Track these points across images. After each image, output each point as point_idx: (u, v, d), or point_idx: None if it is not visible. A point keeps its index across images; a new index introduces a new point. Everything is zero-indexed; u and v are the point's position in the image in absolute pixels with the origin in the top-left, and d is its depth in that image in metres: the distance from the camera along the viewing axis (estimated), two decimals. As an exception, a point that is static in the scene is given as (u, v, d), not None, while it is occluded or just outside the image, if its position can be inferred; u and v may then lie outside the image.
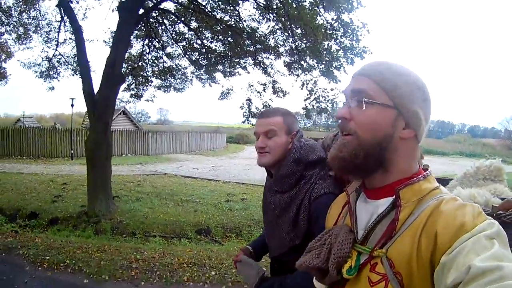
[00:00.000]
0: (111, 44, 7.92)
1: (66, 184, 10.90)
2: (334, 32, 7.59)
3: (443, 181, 1.68)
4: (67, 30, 9.66)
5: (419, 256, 0.66)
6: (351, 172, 0.80)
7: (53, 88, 10.47)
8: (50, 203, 8.59)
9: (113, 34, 8.27)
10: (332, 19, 7.49)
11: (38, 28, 10.02)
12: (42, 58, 10.18)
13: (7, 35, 10.44)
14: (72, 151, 17.50)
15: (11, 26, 10.04)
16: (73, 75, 10.35)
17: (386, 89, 0.75)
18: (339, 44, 7.79)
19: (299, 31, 7.89)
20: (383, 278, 0.70)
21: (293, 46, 8.27)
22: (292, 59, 8.69)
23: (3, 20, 9.90)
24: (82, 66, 7.51)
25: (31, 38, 10.32)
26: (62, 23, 9.33)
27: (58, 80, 10.34)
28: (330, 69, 8.07)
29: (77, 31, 7.65)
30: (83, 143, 17.82)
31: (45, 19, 10.06)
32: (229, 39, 9.01)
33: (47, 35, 10.08)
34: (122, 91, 10.12)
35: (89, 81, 7.21)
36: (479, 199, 1.38)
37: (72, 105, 18.57)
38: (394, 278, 0.68)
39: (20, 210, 8.08)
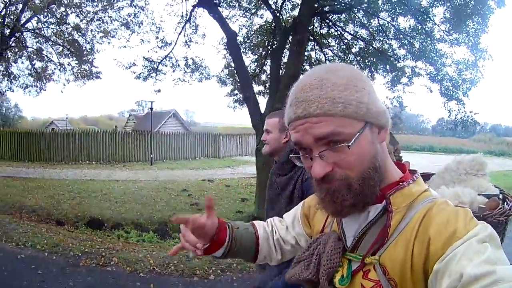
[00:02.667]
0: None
1: (187, 190, 9.82)
2: None
3: (425, 176, 1.37)
4: (194, 33, 9.70)
5: (413, 263, 0.63)
6: (365, 204, 0.69)
7: (159, 90, 10.36)
8: (192, 211, 7.70)
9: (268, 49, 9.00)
10: None
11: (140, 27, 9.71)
12: (147, 59, 9.81)
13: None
14: (152, 156, 16.02)
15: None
16: (200, 80, 10.47)
17: (352, 114, 0.65)
18: None
19: None
20: (377, 285, 0.67)
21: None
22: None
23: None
24: (242, 74, 7.77)
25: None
26: (188, 24, 9.32)
27: (160, 80, 10.30)
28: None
29: (232, 37, 7.66)
30: (159, 147, 16.65)
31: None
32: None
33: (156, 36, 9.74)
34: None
35: (252, 90, 7.62)
36: (463, 199, 1.36)
37: (151, 109, 17.58)
38: (388, 285, 0.66)
39: (165, 222, 6.87)
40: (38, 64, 10.83)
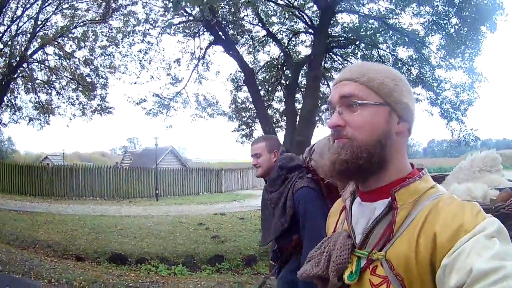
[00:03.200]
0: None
1: (203, 224, 9.77)
2: None
3: (439, 178, 1.65)
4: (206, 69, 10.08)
5: (418, 257, 0.64)
6: (353, 175, 0.74)
7: (170, 126, 10.52)
8: (215, 243, 7.71)
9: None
10: None
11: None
12: (157, 94, 9.99)
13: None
14: (157, 191, 15.81)
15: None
16: (212, 116, 10.71)
17: (374, 88, 0.73)
18: None
19: None
20: (384, 280, 0.68)
21: None
22: None
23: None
24: (261, 110, 8.36)
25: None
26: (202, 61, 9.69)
27: (171, 117, 10.41)
28: None
29: (250, 74, 7.98)
30: (164, 183, 16.55)
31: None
32: None
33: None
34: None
35: (271, 124, 8.25)
36: (476, 193, 1.35)
37: (156, 145, 17.57)
38: (395, 280, 0.66)
39: (191, 255, 6.81)
40: (43, 97, 10.59)
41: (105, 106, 10.04)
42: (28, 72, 9.88)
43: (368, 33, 8.46)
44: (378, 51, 9.16)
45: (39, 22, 9.20)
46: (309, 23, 8.74)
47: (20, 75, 9.90)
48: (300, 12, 8.81)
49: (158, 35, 9.35)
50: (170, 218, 10.51)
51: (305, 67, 8.93)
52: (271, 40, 9.43)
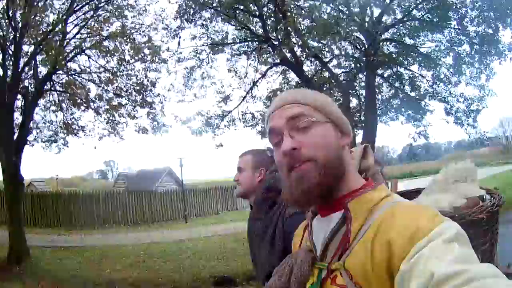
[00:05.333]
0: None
1: None
2: None
3: (414, 193, 1.61)
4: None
5: (373, 264, 0.64)
6: (325, 196, 0.74)
7: (221, 145, 10.04)
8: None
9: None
10: None
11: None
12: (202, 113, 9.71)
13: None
14: (186, 213, 15.35)
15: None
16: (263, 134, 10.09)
17: (318, 108, 0.77)
18: None
19: None
20: None
21: None
22: None
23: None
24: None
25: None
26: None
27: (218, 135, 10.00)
28: None
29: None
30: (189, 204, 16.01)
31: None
32: None
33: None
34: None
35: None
36: (443, 204, 1.33)
37: (181, 165, 17.18)
38: None
39: None
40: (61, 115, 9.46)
41: (157, 125, 9.48)
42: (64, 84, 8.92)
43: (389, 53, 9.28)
44: (397, 69, 10.01)
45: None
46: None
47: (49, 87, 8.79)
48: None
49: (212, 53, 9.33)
50: (221, 237, 10.34)
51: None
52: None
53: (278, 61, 8.99)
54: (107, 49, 8.46)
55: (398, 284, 0.60)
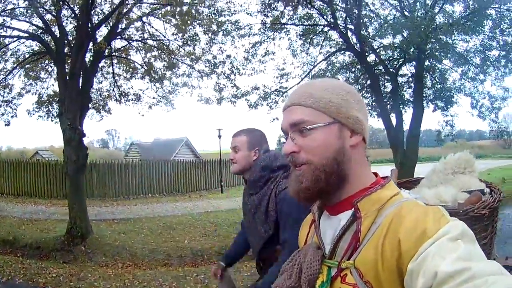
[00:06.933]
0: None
1: None
2: None
3: (414, 182, 1.69)
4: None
5: (384, 263, 0.66)
6: (318, 198, 0.78)
7: (277, 118, 10.20)
8: None
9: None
10: None
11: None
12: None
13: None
14: (222, 183, 15.25)
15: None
16: None
17: (321, 109, 0.76)
18: None
19: None
20: None
21: None
22: None
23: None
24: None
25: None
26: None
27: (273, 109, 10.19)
28: None
29: (375, 80, 8.90)
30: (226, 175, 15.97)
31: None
32: None
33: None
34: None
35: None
36: (445, 198, 1.36)
37: (219, 136, 16.55)
38: (365, 287, 0.68)
39: None
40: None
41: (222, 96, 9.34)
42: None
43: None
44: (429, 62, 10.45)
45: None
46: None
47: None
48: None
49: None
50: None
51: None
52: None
53: (344, 46, 9.64)
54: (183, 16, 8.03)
55: (406, 283, 0.62)
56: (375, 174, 0.81)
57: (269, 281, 1.50)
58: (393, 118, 9.90)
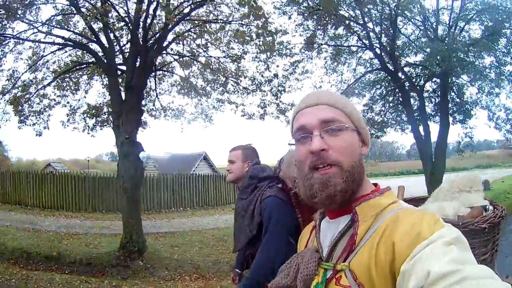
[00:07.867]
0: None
1: None
2: None
3: (420, 200, 1.68)
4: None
5: (377, 265, 0.66)
6: (348, 200, 0.76)
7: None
8: None
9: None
10: None
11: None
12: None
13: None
14: None
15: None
16: None
17: (348, 114, 0.80)
18: None
19: None
20: None
21: None
22: None
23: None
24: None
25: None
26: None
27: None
28: None
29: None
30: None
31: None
32: None
33: None
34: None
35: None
36: (447, 211, 1.37)
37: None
38: None
39: None
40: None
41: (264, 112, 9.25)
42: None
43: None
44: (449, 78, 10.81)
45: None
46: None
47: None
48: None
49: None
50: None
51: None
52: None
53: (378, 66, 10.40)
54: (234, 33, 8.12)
55: (398, 284, 0.62)
56: (375, 184, 0.83)
57: (253, 269, 1.91)
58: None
